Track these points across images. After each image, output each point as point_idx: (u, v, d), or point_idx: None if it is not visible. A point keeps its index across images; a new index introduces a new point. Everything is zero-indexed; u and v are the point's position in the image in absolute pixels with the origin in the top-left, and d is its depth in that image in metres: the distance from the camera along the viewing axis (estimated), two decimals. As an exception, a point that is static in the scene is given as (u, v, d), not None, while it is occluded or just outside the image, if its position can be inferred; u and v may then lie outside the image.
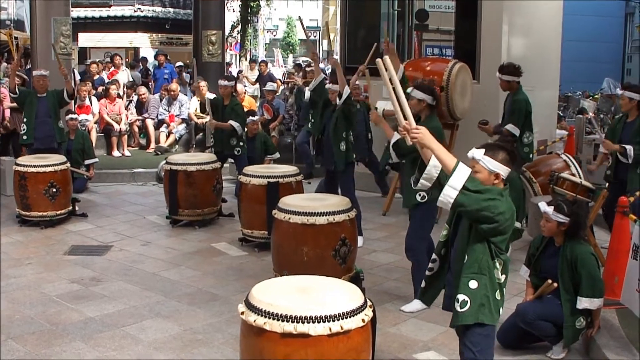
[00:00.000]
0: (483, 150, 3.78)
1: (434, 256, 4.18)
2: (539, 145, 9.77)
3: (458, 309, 3.77)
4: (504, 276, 3.81)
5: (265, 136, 10.77)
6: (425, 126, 5.53)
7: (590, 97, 20.72)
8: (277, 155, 10.71)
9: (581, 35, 35.98)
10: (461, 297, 3.76)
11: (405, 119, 3.77)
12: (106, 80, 15.84)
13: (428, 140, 3.65)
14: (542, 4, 10.31)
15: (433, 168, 3.82)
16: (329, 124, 7.62)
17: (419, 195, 5.74)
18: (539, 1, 10.22)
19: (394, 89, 3.79)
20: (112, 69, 17.25)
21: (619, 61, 45.06)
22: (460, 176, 3.55)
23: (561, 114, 14.17)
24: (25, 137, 9.51)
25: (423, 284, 4.29)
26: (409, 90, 6.11)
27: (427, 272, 4.24)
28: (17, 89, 9.46)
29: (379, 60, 3.82)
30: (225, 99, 9.40)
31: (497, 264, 3.76)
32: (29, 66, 13.43)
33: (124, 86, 15.49)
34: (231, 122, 9.17)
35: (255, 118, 10.71)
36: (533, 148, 8.13)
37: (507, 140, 7.31)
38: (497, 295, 3.78)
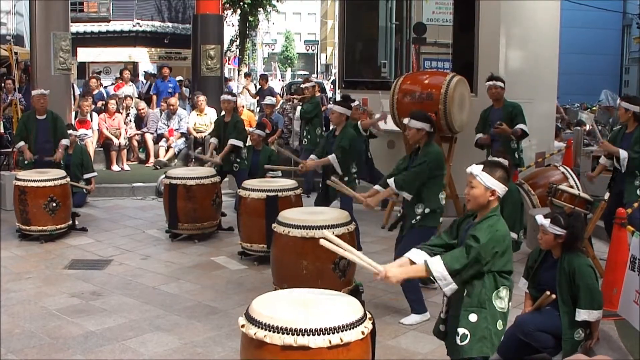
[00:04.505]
0: (481, 167, 3.83)
1: (446, 299, 4.10)
2: (537, 157, 9.81)
3: (458, 342, 3.82)
4: (510, 303, 3.85)
5: (271, 151, 10.73)
6: (424, 152, 5.73)
7: (588, 109, 20.80)
8: (278, 173, 10.72)
9: (579, 48, 36.14)
10: (461, 330, 3.80)
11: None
12: (112, 92, 15.90)
13: (399, 276, 3.80)
14: (539, 16, 10.38)
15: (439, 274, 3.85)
16: (331, 149, 7.62)
17: (415, 219, 5.99)
18: (536, 14, 10.29)
19: (350, 253, 3.87)
20: (120, 82, 17.31)
21: (617, 73, 45.19)
22: (442, 275, 3.74)
23: (559, 126, 14.19)
24: (26, 162, 9.53)
25: (443, 328, 4.15)
26: (405, 120, 6.20)
27: (442, 316, 4.17)
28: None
29: (322, 241, 3.89)
30: (227, 114, 9.42)
31: (503, 293, 3.81)
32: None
33: (125, 98, 15.46)
34: (230, 141, 9.19)
35: (262, 133, 10.70)
36: (523, 154, 8.63)
37: (500, 151, 7.45)
38: (499, 325, 3.83)
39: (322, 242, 3.86)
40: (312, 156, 7.95)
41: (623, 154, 7.08)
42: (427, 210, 5.97)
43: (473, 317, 3.78)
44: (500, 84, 8.30)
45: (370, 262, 3.80)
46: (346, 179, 7.47)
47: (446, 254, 3.83)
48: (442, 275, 3.71)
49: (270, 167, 9.12)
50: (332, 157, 7.48)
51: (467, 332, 3.79)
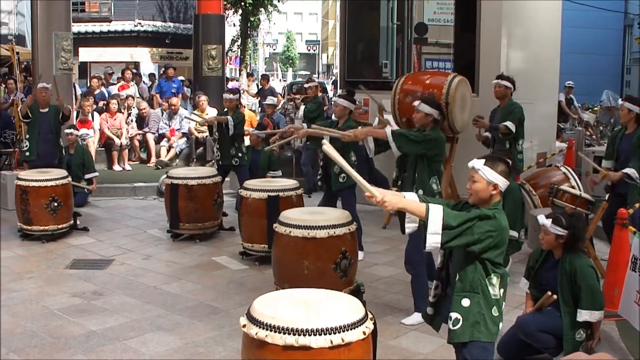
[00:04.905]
0: (483, 161, 3.83)
1: (435, 282, 4.15)
2: (538, 157, 9.80)
3: (451, 326, 3.82)
4: (502, 290, 3.83)
5: (270, 152, 10.76)
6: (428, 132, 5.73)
7: (590, 110, 20.76)
8: (279, 172, 10.73)
9: (579, 48, 36.05)
10: (454, 315, 3.80)
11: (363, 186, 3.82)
12: (114, 93, 15.91)
13: (395, 204, 3.69)
14: (540, 16, 10.37)
15: (433, 218, 3.82)
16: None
17: None
18: (537, 14, 10.28)
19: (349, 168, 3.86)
20: (122, 82, 17.31)
21: (618, 73, 45.09)
22: (435, 219, 3.62)
23: (561, 127, 14.18)
24: (27, 154, 9.57)
25: (431, 311, 4.20)
26: (415, 103, 6.23)
27: (431, 299, 4.19)
28: (28, 114, 9.55)
29: (325, 147, 3.93)
30: (230, 112, 9.42)
31: (494, 280, 3.78)
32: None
33: (127, 98, 15.46)
34: (228, 117, 9.14)
35: (260, 133, 10.68)
36: (524, 156, 8.47)
37: (502, 150, 7.44)
38: (494, 312, 3.80)
39: (325, 148, 3.90)
40: (304, 124, 7.95)
41: (630, 171, 6.98)
42: (420, 192, 5.95)
43: (465, 302, 3.77)
44: (504, 83, 8.22)
45: (366, 185, 3.75)
46: (337, 167, 7.48)
47: (447, 208, 3.78)
48: (436, 219, 3.62)
49: (256, 132, 9.02)
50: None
51: (459, 317, 3.78)
